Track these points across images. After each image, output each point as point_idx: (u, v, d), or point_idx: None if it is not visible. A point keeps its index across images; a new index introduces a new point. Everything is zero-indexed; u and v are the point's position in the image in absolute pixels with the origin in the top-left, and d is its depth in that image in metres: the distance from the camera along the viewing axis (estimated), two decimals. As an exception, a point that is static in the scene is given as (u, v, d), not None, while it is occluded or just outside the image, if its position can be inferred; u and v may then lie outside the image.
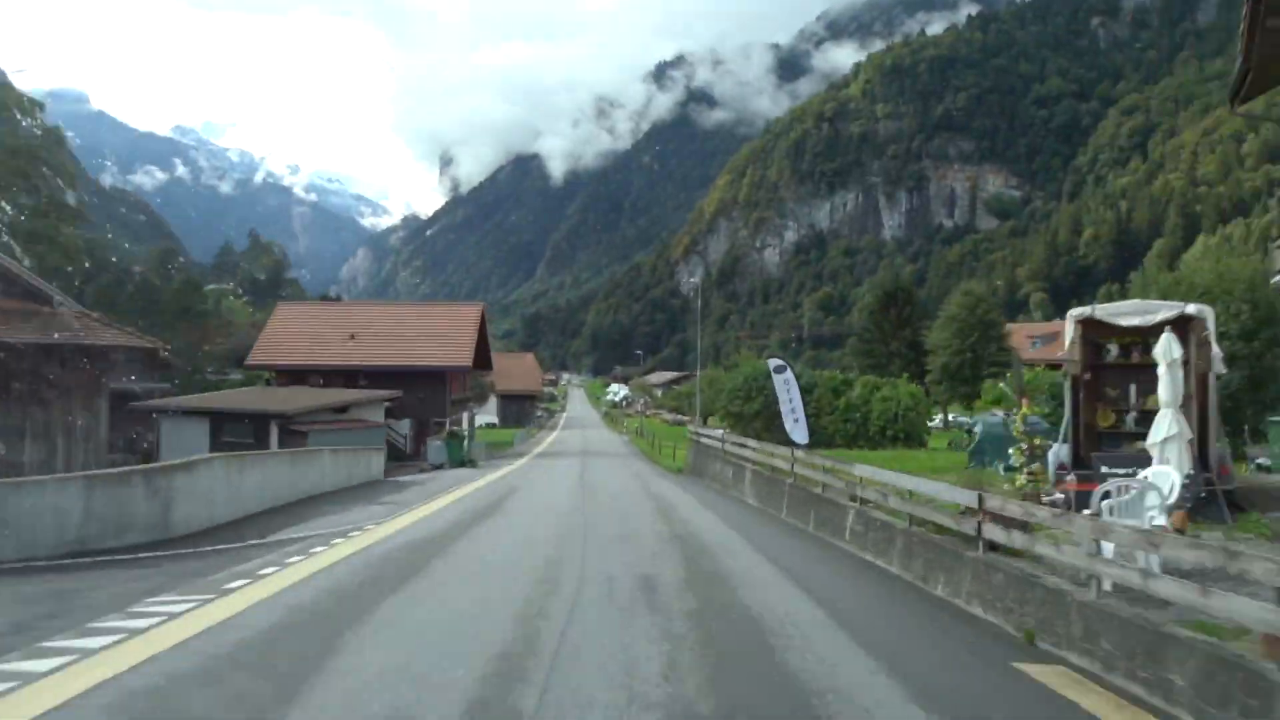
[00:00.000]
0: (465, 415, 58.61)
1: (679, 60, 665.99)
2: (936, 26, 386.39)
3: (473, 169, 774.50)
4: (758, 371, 47.25)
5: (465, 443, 50.34)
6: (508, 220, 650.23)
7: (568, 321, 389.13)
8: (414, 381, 50.25)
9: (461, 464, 46.32)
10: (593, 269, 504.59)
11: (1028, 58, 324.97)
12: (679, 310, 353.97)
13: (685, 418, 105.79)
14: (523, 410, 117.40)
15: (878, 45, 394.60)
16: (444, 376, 53.42)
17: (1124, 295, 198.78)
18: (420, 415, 51.36)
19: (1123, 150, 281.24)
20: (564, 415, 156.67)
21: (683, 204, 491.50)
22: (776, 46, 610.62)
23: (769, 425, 40.42)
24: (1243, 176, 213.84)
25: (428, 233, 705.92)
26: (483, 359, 59.56)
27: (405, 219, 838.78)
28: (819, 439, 36.68)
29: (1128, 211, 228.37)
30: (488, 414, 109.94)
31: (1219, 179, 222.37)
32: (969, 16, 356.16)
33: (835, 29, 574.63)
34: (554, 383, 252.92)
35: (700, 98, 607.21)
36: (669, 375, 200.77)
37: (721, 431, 38.65)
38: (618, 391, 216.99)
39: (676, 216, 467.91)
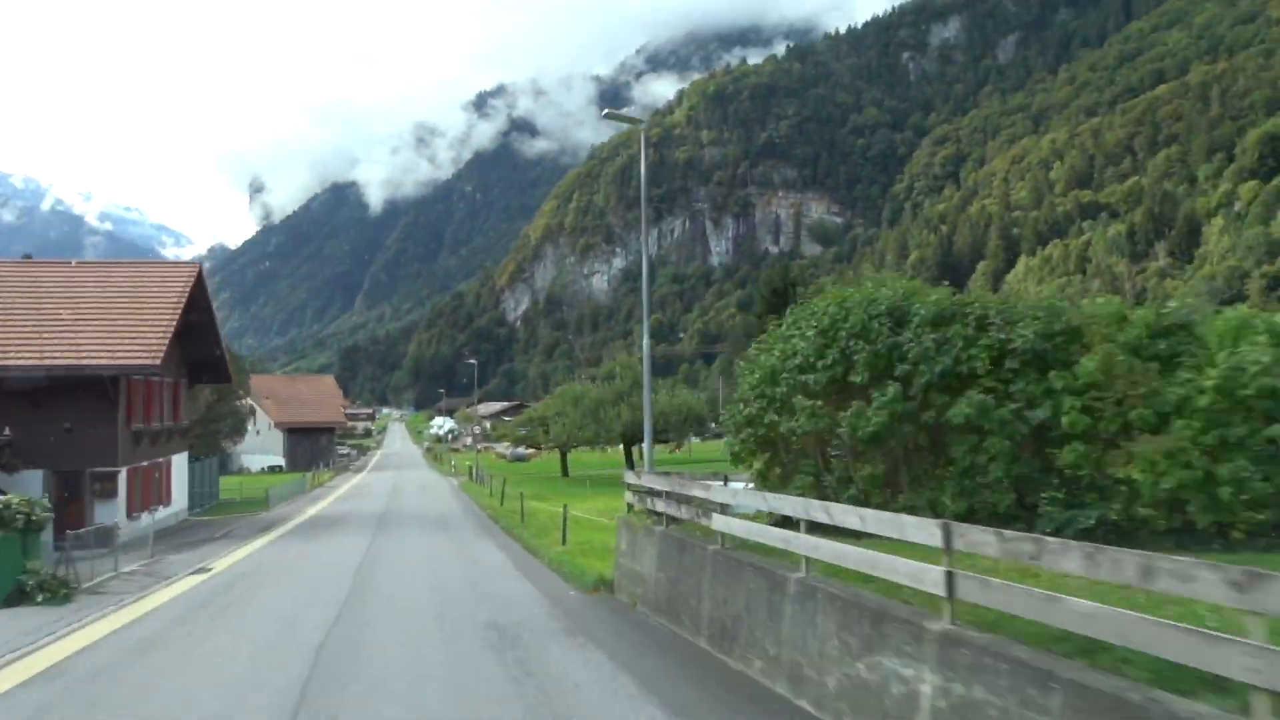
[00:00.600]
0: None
1: (500, 90, 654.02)
2: (754, 60, 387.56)
3: (286, 196, 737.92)
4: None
5: (25, 538, 19.46)
6: (323, 250, 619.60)
7: (387, 354, 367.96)
8: (57, 399, 30.03)
9: (22, 592, 18.56)
10: (414, 300, 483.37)
11: (844, 88, 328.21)
12: (505, 340, 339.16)
13: (530, 451, 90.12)
14: (318, 448, 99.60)
15: (696, 78, 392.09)
16: (114, 389, 31.15)
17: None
18: (67, 462, 30.16)
19: (937, 179, 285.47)
20: (378, 453, 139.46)
21: (506, 234, 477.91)
22: (598, 78, 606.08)
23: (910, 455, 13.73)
24: (1055, 201, 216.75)
25: (236, 264, 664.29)
26: (208, 364, 41.52)
27: (212, 249, 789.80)
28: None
29: (948, 235, 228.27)
30: (271, 453, 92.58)
31: (1032, 204, 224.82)
32: (787, 48, 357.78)
33: (655, 62, 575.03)
34: (371, 417, 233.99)
35: (522, 127, 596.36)
36: (498, 405, 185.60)
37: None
38: (442, 424, 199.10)
39: (500, 247, 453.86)
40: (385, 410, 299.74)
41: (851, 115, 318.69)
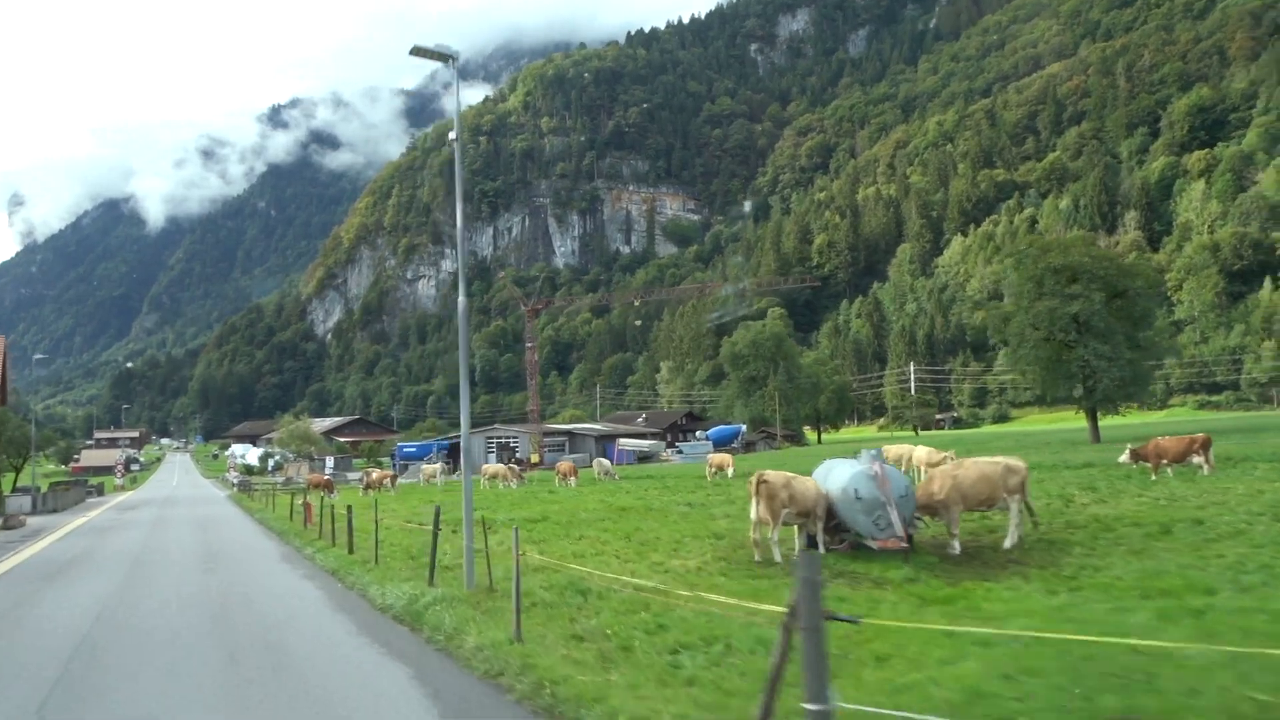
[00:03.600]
0: None
1: (295, 102, 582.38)
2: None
3: (51, 212, 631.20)
4: None
5: None
6: (95, 271, 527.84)
7: (169, 378, 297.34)
8: None
9: None
10: (201, 324, 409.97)
11: (694, 77, 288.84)
12: (314, 356, 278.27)
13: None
14: None
15: (532, 63, 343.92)
16: None
17: (878, 310, 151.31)
18: None
19: (804, 171, 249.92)
20: (123, 496, 76.56)
21: (305, 252, 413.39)
22: (405, 91, 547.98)
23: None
24: (978, 181, 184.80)
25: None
26: None
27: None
28: None
29: (850, 221, 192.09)
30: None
31: (935, 186, 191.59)
32: (629, 34, 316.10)
33: (466, 74, 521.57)
34: (136, 444, 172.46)
35: (323, 139, 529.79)
36: (333, 421, 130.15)
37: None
38: (240, 453, 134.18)
39: (299, 265, 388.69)
40: (165, 441, 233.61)
41: (705, 105, 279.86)
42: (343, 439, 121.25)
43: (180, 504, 48.43)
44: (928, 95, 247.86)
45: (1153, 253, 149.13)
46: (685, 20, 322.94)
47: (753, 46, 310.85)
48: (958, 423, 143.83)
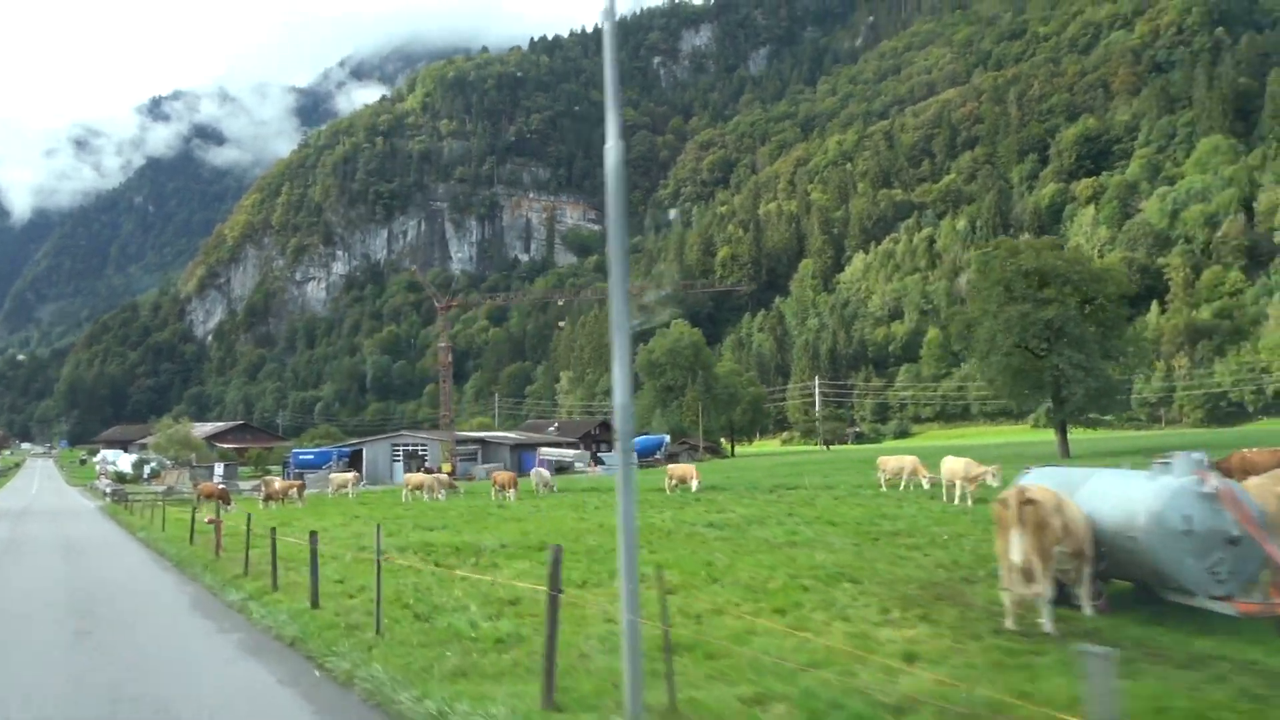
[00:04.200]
0: None
1: (179, 94, 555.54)
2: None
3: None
4: None
5: None
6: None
7: (33, 379, 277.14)
8: None
9: None
10: (69, 321, 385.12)
11: (597, 86, 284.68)
12: (193, 358, 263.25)
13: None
14: None
15: (432, 64, 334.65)
16: None
17: (781, 324, 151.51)
18: None
19: (706, 184, 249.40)
20: None
21: (185, 250, 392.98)
22: (296, 88, 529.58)
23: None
24: (881, 197, 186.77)
25: None
26: None
27: None
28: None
29: (753, 235, 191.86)
30: None
31: (835, 204, 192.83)
32: (531, 40, 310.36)
33: (360, 74, 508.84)
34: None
35: (207, 134, 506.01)
36: (219, 425, 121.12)
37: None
38: (112, 459, 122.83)
39: (178, 264, 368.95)
40: (26, 445, 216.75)
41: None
42: (226, 445, 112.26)
43: (40, 518, 37.82)
44: (826, 115, 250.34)
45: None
46: (589, 30, 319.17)
47: (656, 59, 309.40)
48: (860, 438, 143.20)
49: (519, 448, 73.15)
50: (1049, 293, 38.80)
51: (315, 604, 11.25)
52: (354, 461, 69.84)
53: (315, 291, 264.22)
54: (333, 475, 49.16)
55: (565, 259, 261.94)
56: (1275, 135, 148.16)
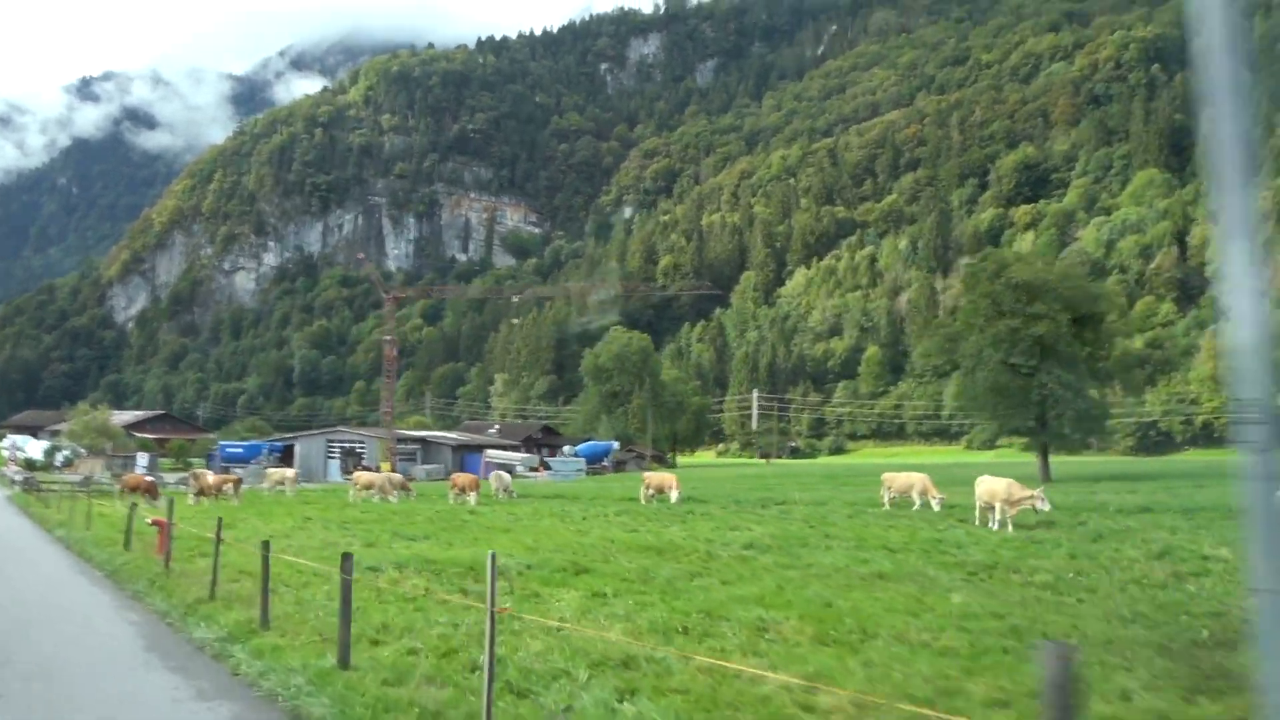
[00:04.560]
0: None
1: (110, 75, 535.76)
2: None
3: None
4: None
5: None
6: None
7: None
8: None
9: None
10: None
11: (544, 89, 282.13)
12: (112, 345, 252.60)
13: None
14: None
15: (375, 58, 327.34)
16: None
17: (721, 335, 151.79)
18: None
19: (649, 193, 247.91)
20: None
21: (109, 234, 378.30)
22: (233, 76, 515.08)
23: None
24: (823, 214, 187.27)
25: None
26: None
27: None
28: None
29: (696, 245, 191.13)
30: None
31: (778, 219, 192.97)
32: (479, 40, 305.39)
33: (300, 64, 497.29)
34: None
35: (138, 117, 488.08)
36: (138, 415, 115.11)
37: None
38: (21, 445, 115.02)
39: (101, 249, 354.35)
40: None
41: (553, 118, 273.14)
42: (146, 435, 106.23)
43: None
44: (771, 130, 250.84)
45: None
46: (537, 32, 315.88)
47: (603, 66, 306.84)
48: (795, 453, 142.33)
49: (461, 449, 69.82)
50: (1040, 308, 37.20)
51: (345, 661, 7.72)
52: (286, 457, 65.81)
53: (244, 282, 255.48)
54: (270, 471, 45.43)
55: (504, 261, 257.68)
56: (1207, 171, 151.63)
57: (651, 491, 32.23)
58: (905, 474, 27.56)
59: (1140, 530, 18.10)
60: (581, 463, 65.07)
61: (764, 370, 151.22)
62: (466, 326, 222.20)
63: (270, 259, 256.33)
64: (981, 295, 39.79)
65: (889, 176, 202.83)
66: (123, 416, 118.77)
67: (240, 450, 68.58)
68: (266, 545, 10.40)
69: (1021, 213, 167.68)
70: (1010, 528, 19.38)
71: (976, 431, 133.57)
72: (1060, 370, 37.14)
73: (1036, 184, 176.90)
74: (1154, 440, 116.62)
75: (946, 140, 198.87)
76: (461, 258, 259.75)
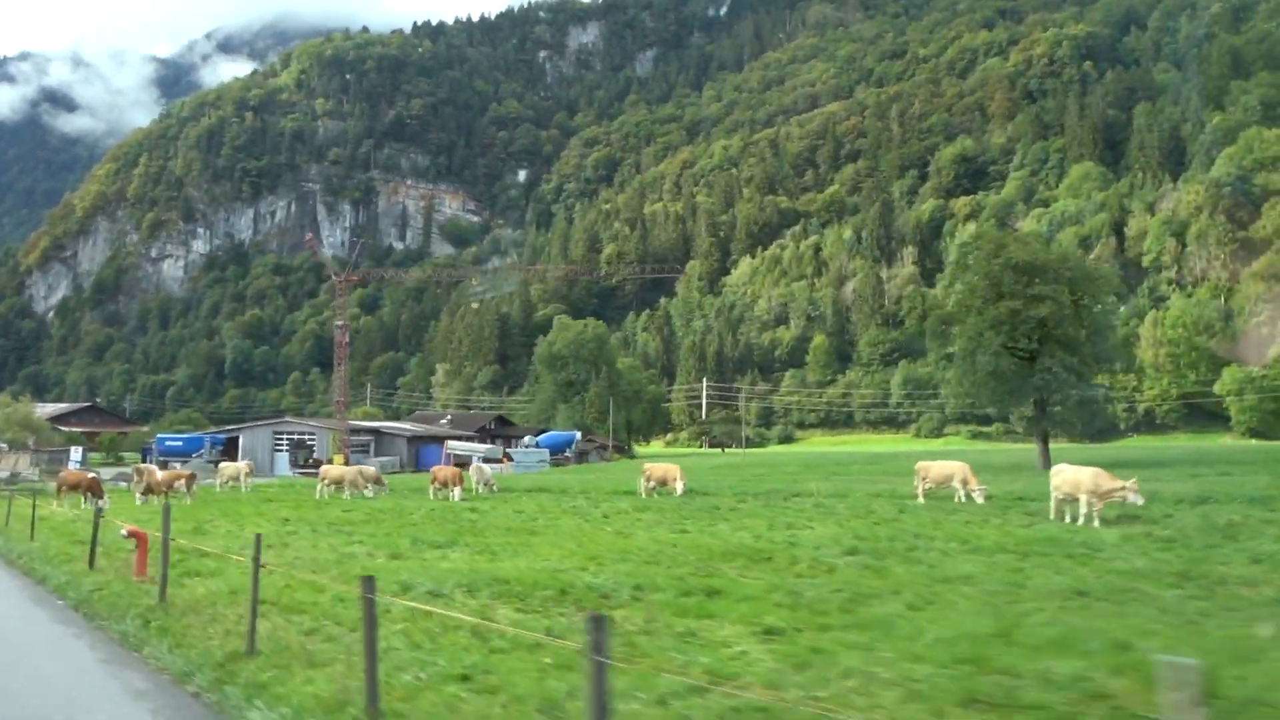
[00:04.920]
0: None
1: (26, 55, 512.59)
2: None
3: None
4: None
5: None
6: None
7: None
8: None
9: None
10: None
11: (482, 76, 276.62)
12: (31, 335, 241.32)
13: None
14: None
15: (308, 42, 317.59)
16: None
17: (668, 324, 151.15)
18: None
19: (589, 181, 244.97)
20: None
21: (26, 221, 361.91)
22: (157, 58, 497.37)
23: None
24: (765, 202, 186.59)
25: None
26: None
27: None
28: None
29: (640, 234, 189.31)
30: None
31: (721, 208, 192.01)
32: (415, 24, 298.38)
33: (227, 48, 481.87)
34: None
35: (57, 99, 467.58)
36: (62, 406, 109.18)
37: None
38: None
39: (18, 234, 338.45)
40: None
41: (491, 105, 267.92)
42: (73, 428, 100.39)
43: None
44: (712, 120, 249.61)
45: (929, 287, 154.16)
46: (475, 18, 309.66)
47: (542, 53, 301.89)
48: (746, 442, 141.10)
49: (416, 440, 66.53)
50: (1041, 289, 35.66)
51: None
52: (229, 450, 61.94)
53: (172, 270, 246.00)
54: (223, 465, 41.87)
55: (442, 249, 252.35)
56: (1141, 165, 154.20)
57: (653, 484, 29.87)
58: (941, 463, 25.61)
59: (1261, 524, 16.29)
60: (545, 454, 62.37)
61: (712, 359, 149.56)
62: (406, 316, 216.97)
63: (199, 246, 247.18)
64: (979, 276, 38.15)
65: (830, 167, 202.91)
66: (46, 409, 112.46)
67: (179, 444, 64.30)
68: (371, 581, 6.99)
69: (961, 204, 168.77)
70: (1097, 522, 17.45)
71: (924, 420, 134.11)
72: (1063, 354, 35.69)
73: (975, 176, 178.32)
74: (1098, 428, 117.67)
75: (886, 132, 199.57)
76: (399, 246, 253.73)
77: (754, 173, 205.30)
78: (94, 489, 33.14)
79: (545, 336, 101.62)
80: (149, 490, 33.55)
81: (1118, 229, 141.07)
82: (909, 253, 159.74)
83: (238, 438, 64.70)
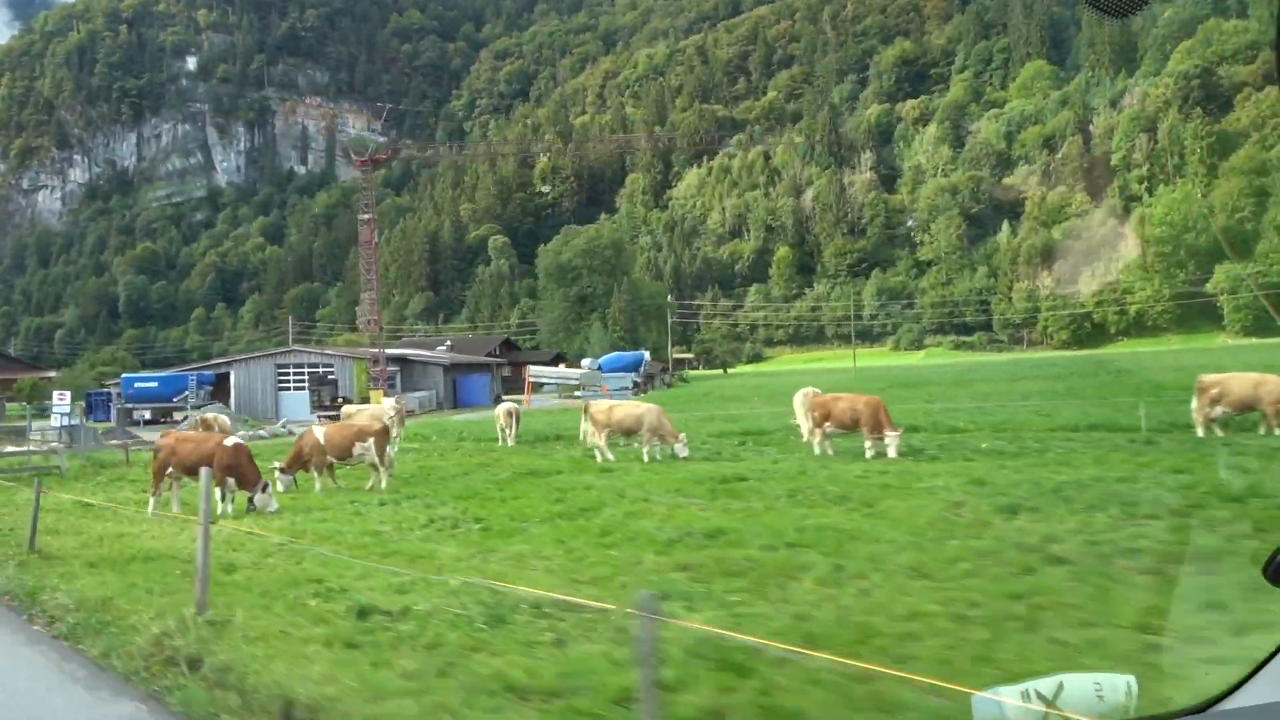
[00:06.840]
0: None
1: None
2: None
3: None
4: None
5: None
6: None
7: None
8: None
9: None
10: None
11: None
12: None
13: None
14: None
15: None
16: None
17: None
18: None
19: (504, 97, 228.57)
20: None
21: None
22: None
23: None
24: (703, 109, 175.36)
25: None
26: None
27: None
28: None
29: (574, 149, 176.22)
30: None
31: (656, 119, 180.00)
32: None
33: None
34: None
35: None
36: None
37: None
38: None
39: None
40: None
41: (392, 16, 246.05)
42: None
43: None
44: (629, 29, 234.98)
45: (889, 193, 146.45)
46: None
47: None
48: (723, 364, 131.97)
49: (455, 369, 54.06)
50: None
51: None
52: (219, 390, 48.71)
53: (48, 201, 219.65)
54: (346, 409, 27.96)
55: (348, 173, 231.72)
56: (1092, 62, 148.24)
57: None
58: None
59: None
60: (628, 380, 50.43)
61: (669, 276, 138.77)
62: (317, 244, 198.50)
63: (77, 175, 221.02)
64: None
65: (763, 75, 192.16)
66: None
67: (155, 385, 49.83)
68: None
69: (910, 107, 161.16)
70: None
71: (903, 331, 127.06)
72: None
73: (916, 79, 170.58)
74: (1087, 332, 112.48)
75: (820, 35, 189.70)
76: (301, 170, 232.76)
77: (683, 81, 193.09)
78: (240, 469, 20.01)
79: (546, 245, 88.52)
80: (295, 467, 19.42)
81: (1083, 127, 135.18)
82: (866, 159, 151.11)
83: (228, 374, 50.59)
